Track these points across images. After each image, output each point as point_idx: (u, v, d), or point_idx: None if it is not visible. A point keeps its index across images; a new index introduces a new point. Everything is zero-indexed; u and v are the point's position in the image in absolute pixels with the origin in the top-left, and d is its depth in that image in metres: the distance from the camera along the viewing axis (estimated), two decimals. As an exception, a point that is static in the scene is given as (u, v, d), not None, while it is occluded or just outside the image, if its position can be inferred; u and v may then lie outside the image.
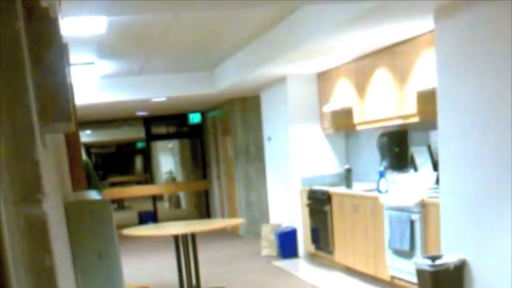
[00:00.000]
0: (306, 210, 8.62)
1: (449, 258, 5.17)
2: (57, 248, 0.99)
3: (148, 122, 14.93)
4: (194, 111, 14.21)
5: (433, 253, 5.51)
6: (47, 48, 1.04)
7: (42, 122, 1.00)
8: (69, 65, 1.92)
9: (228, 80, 9.42)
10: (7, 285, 0.81)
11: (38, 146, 0.89)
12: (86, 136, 17.24)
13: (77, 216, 2.13)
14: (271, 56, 7.48)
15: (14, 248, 0.84)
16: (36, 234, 0.87)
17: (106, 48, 7.48)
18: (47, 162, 1.13)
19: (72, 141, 2.30)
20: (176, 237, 7.17)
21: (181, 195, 18.63)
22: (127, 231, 7.04)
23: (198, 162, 15.25)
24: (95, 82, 9.55)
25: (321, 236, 8.17)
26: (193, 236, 7.16)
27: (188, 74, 10.12)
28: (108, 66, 8.75)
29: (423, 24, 5.62)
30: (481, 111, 4.80)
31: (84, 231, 2.31)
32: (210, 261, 9.00)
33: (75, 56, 6.82)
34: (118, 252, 2.54)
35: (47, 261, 0.89)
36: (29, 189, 0.88)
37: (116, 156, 22.78)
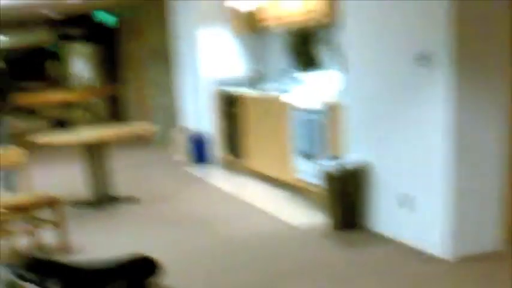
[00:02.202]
0: (218, 114, 8.53)
1: (352, 159, 5.29)
2: None
3: (60, 24, 14.39)
4: (106, 11, 13.60)
5: (338, 155, 5.57)
6: None
7: None
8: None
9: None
10: None
11: None
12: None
13: None
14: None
15: None
16: None
17: None
18: None
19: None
20: (88, 145, 6.97)
21: (93, 99, 18.19)
22: (37, 139, 6.71)
23: (110, 65, 14.87)
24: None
25: (232, 140, 8.14)
26: (104, 143, 6.98)
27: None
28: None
29: None
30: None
31: None
32: (123, 168, 8.72)
33: None
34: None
35: None
36: None
37: (26, 61, 21.84)
